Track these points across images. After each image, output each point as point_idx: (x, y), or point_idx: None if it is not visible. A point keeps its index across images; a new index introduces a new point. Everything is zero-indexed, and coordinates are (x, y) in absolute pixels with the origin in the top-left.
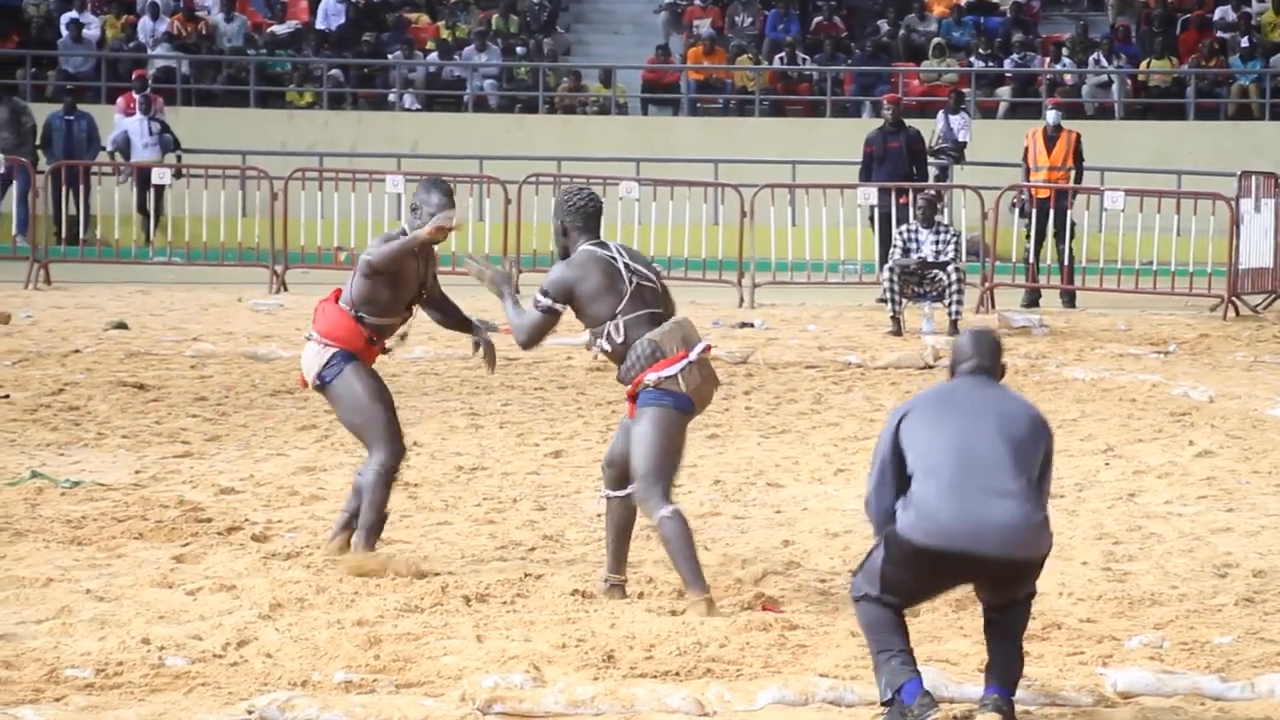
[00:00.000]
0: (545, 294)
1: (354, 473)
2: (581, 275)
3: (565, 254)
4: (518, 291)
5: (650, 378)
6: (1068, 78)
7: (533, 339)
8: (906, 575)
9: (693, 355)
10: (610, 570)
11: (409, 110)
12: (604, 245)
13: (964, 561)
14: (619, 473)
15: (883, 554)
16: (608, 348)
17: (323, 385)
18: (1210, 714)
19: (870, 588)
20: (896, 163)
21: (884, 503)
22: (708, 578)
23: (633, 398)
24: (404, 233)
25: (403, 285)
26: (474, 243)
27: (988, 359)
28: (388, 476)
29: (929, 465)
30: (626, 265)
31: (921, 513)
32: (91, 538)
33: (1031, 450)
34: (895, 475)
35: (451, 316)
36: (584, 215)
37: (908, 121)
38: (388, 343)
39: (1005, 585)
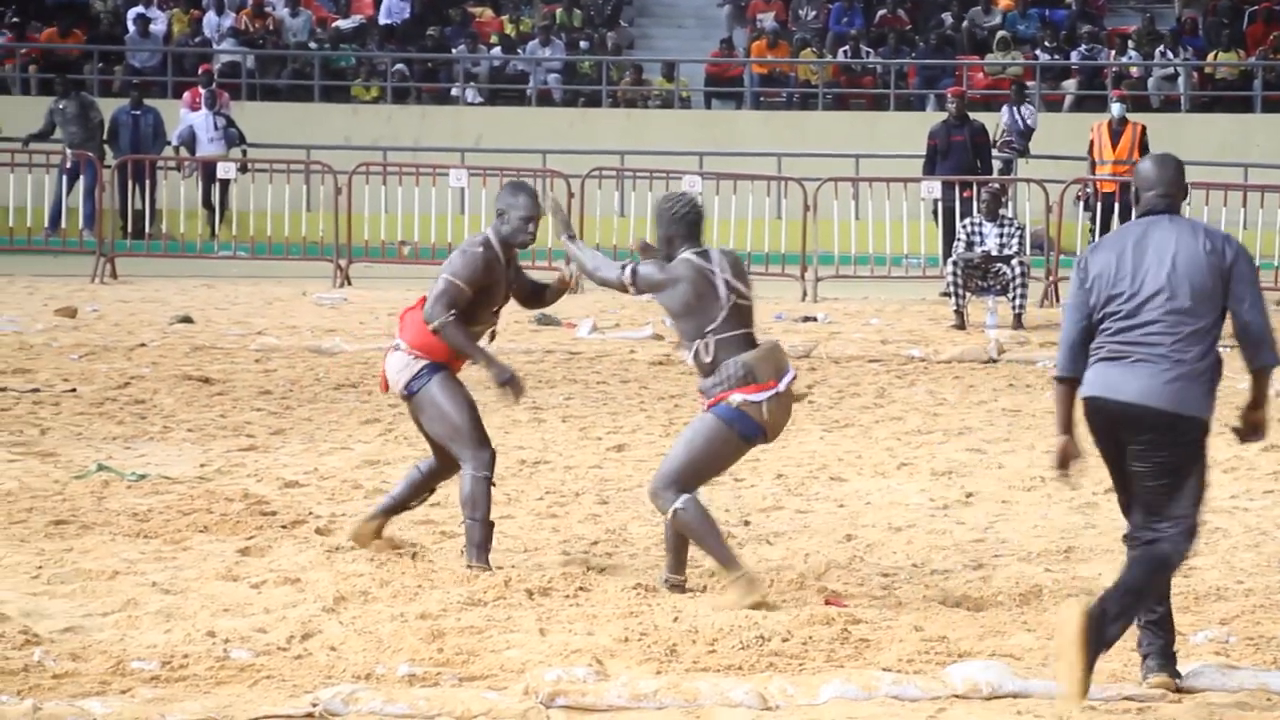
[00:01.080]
0: (634, 273)
1: (412, 465)
2: (671, 283)
3: (669, 257)
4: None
5: (736, 399)
6: (1133, 70)
7: (602, 279)
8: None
9: (781, 386)
10: (671, 570)
11: (472, 104)
12: (705, 255)
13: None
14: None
15: None
16: (691, 362)
17: (409, 395)
18: (1276, 710)
19: None
20: (960, 156)
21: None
22: (768, 571)
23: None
24: (486, 240)
25: (492, 295)
26: (538, 236)
27: (1173, 187)
28: (487, 484)
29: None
30: (726, 282)
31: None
32: (157, 531)
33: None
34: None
35: (539, 294)
36: (686, 223)
37: (972, 115)
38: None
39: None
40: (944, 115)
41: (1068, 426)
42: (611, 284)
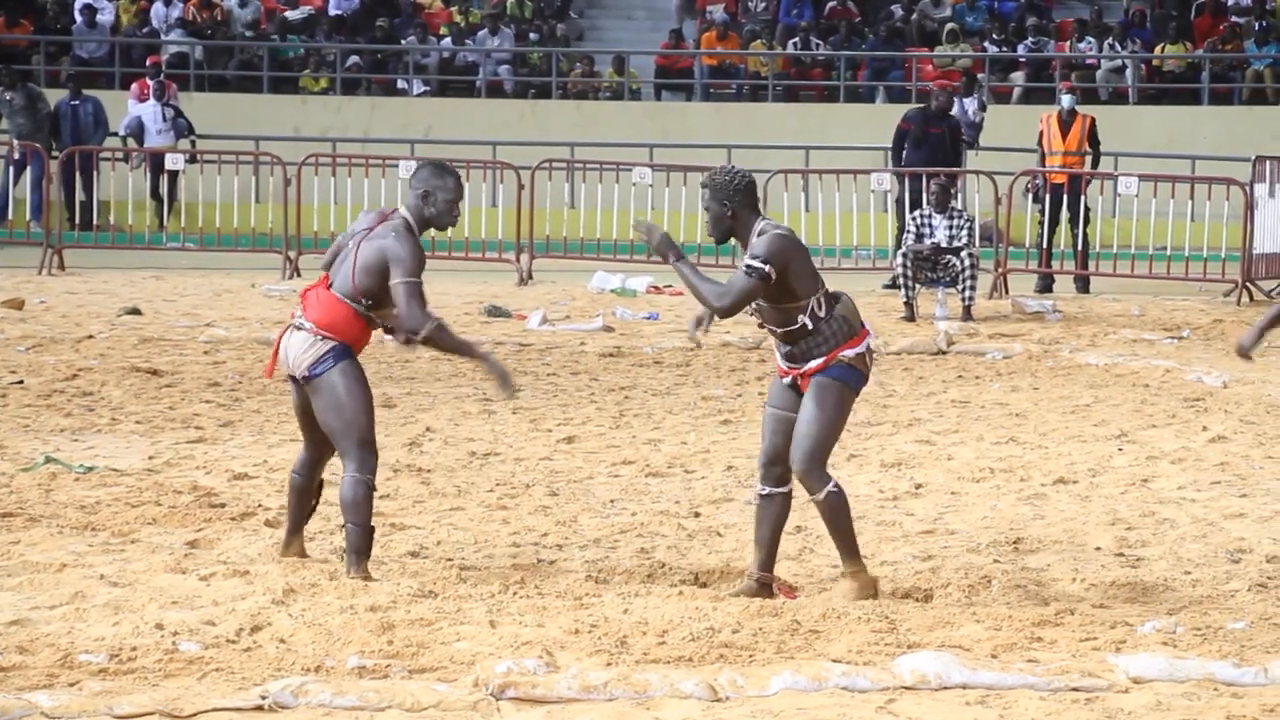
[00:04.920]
0: (766, 261)
1: (290, 474)
2: (797, 247)
3: (728, 235)
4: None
5: (848, 353)
6: (1089, 60)
7: (738, 304)
8: None
9: (871, 333)
10: (761, 568)
11: (419, 96)
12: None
13: None
14: (784, 470)
15: None
16: (809, 324)
17: (310, 378)
18: (1223, 700)
19: None
20: (935, 149)
21: None
22: (719, 563)
23: (812, 373)
24: (406, 222)
25: None
26: (487, 227)
27: None
28: (369, 489)
29: None
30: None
31: None
32: (105, 523)
33: None
34: None
35: None
36: (749, 192)
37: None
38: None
39: None
40: (914, 105)
41: None
42: (747, 293)
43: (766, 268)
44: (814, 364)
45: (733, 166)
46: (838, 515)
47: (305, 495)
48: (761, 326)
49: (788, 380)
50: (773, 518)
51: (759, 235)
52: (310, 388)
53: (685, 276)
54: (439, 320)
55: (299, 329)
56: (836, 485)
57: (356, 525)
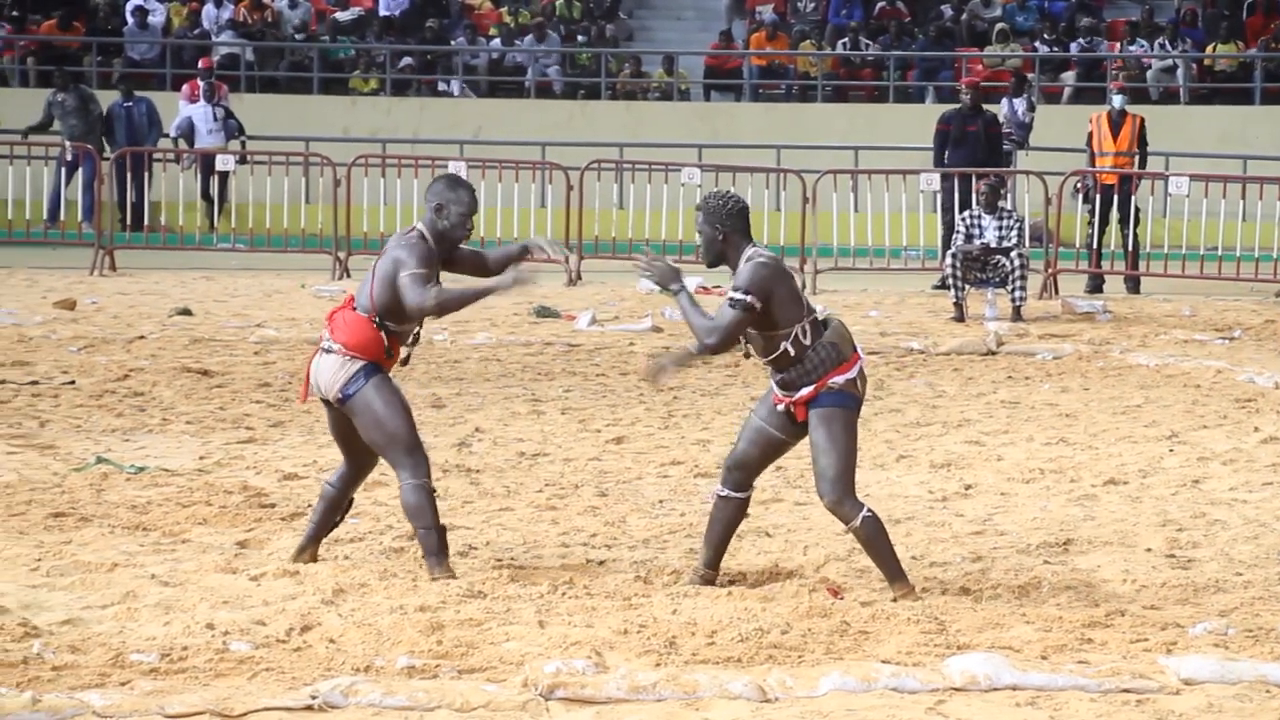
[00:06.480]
0: (748, 292)
1: (323, 484)
2: (781, 275)
3: (719, 259)
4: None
5: (837, 380)
6: (1136, 61)
7: (729, 340)
8: None
9: (862, 357)
10: (707, 565)
11: (464, 97)
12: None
13: None
14: (747, 475)
15: None
16: (791, 351)
17: (344, 400)
18: (1276, 702)
19: None
20: (974, 147)
21: None
22: (768, 563)
23: (804, 402)
24: (421, 234)
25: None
26: (535, 228)
27: None
28: (428, 491)
29: None
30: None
31: None
32: (156, 523)
33: None
34: None
35: (487, 265)
36: (741, 217)
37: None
38: (402, 350)
39: None
40: (951, 105)
41: None
42: (735, 326)
43: (749, 298)
44: (805, 392)
45: (727, 191)
46: (875, 540)
47: (334, 507)
48: (748, 356)
49: (781, 407)
50: (726, 519)
51: (746, 262)
52: (347, 409)
53: (683, 308)
54: (437, 288)
55: (328, 352)
56: (869, 511)
57: (426, 529)
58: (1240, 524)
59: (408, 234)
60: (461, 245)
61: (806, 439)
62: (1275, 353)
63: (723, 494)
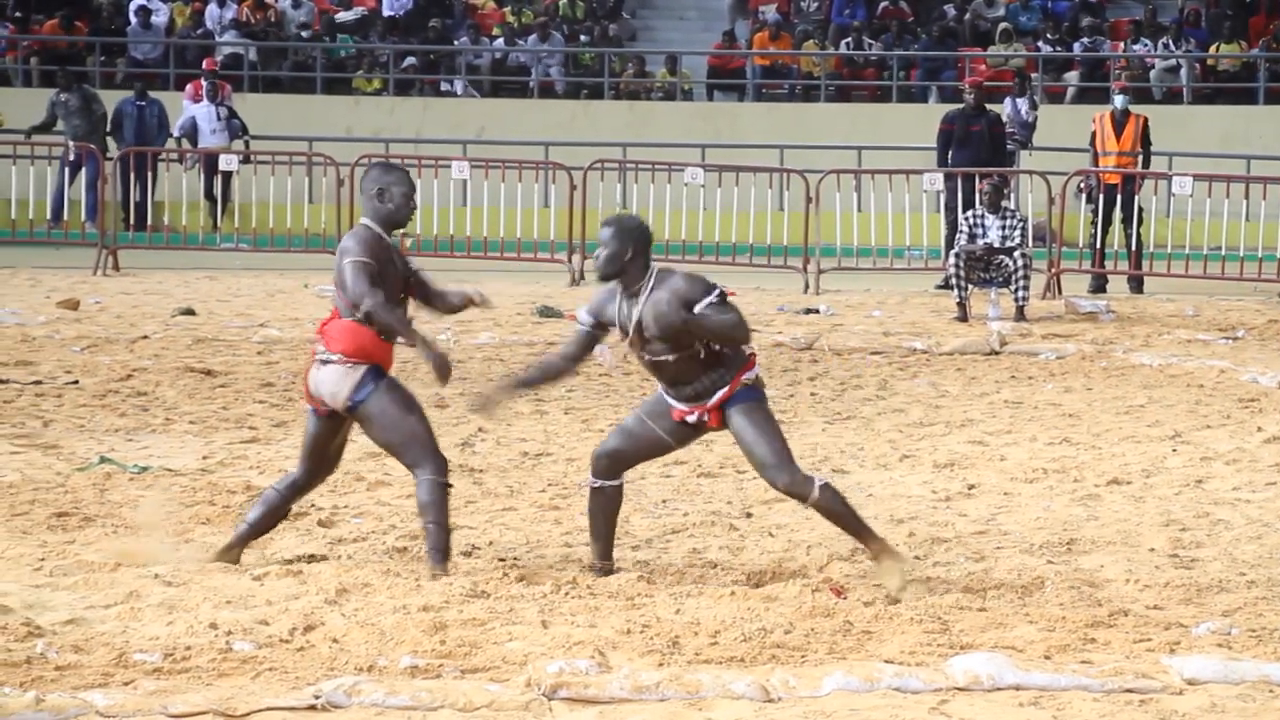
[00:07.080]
0: (713, 286)
1: (268, 488)
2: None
3: (617, 275)
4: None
5: (749, 375)
6: (1139, 60)
7: (748, 326)
8: None
9: (758, 354)
10: (601, 558)
11: (465, 97)
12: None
13: None
14: (617, 466)
15: None
16: (704, 355)
17: (354, 408)
18: (1279, 702)
19: None
20: (977, 147)
21: None
22: (771, 563)
23: (714, 408)
24: (364, 225)
25: (387, 279)
26: (539, 228)
27: None
28: (445, 489)
29: None
30: None
31: None
32: (159, 523)
33: None
34: None
35: (442, 298)
36: (648, 242)
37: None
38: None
39: None
40: (954, 105)
41: None
42: (741, 315)
43: (723, 291)
44: (720, 394)
45: (636, 215)
46: (836, 506)
47: (273, 513)
48: (631, 373)
49: (693, 418)
50: (606, 510)
51: (675, 276)
52: (358, 417)
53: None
54: (380, 297)
55: (325, 364)
56: (824, 480)
57: (436, 524)
58: (1243, 524)
59: (353, 230)
60: (420, 271)
61: (686, 447)
62: (1278, 353)
63: (596, 485)
